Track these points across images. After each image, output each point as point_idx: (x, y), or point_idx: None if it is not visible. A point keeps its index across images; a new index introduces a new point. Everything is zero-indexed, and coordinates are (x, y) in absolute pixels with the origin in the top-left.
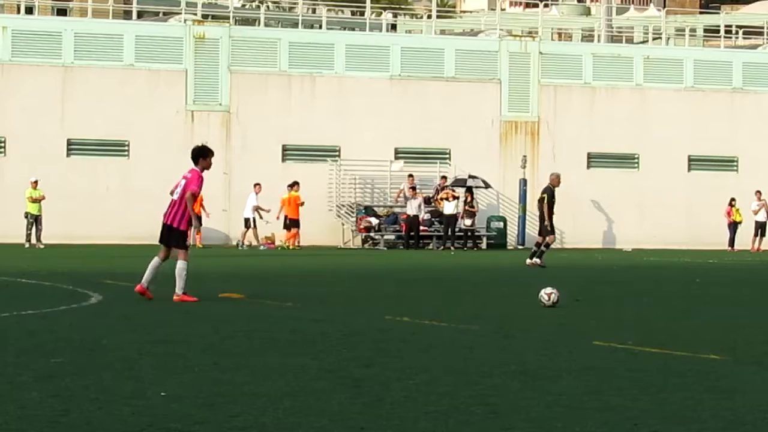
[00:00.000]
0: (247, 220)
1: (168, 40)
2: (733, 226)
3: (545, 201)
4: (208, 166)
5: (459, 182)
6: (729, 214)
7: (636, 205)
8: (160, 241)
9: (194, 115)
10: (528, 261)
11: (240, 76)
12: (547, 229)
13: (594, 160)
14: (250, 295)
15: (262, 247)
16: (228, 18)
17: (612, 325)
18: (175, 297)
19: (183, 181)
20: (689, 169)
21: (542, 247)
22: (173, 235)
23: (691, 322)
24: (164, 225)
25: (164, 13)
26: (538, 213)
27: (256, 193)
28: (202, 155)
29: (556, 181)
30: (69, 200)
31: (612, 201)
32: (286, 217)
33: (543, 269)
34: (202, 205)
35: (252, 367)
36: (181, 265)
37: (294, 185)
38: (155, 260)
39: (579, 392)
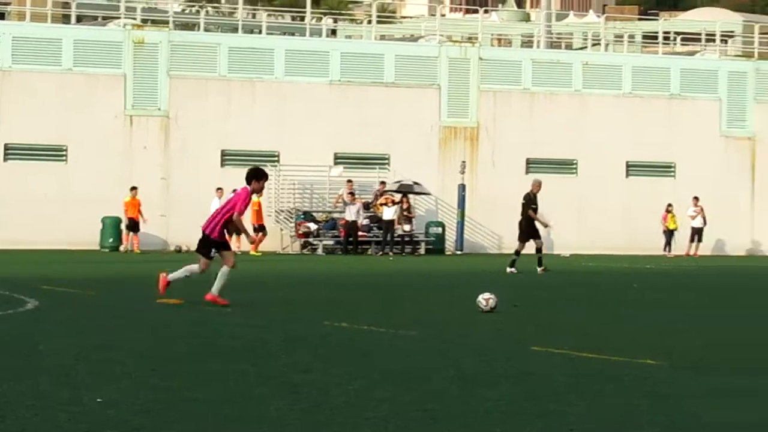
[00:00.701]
0: None
1: (107, 44)
2: (668, 233)
3: (526, 207)
4: (259, 189)
5: (404, 188)
6: (665, 219)
7: (574, 211)
8: (197, 251)
9: (133, 119)
10: (539, 270)
11: (179, 80)
12: (537, 232)
13: (533, 165)
14: (188, 300)
15: None
16: (167, 23)
17: (549, 331)
18: (207, 296)
19: (231, 196)
20: (627, 175)
21: (537, 254)
22: (210, 243)
23: (628, 327)
24: (202, 233)
25: (103, 18)
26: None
27: (218, 198)
28: (256, 177)
29: (537, 187)
30: (6, 206)
31: (550, 206)
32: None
33: (516, 274)
34: (139, 211)
35: (190, 373)
36: (224, 269)
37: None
38: (194, 266)
39: (517, 398)
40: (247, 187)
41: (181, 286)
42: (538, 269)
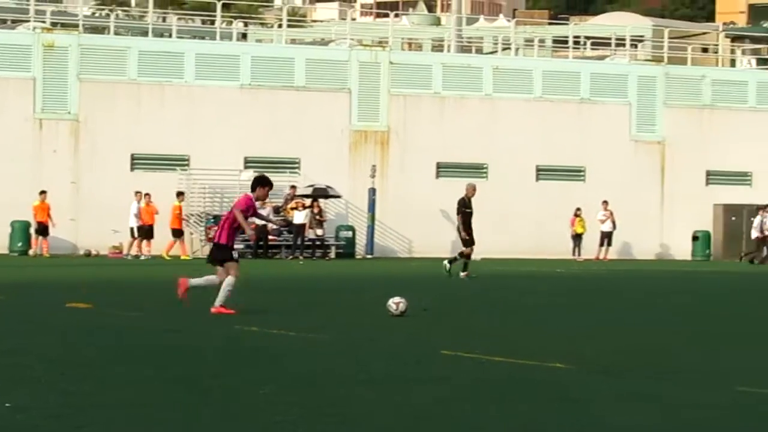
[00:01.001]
0: (132, 230)
1: (16, 47)
2: (576, 237)
3: (458, 212)
4: (262, 196)
5: (318, 192)
6: (572, 223)
7: (485, 215)
8: (209, 261)
9: (43, 123)
10: (462, 274)
11: (89, 84)
12: (465, 240)
13: (443, 169)
14: (98, 304)
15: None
16: (77, 26)
17: (460, 335)
18: (212, 309)
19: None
20: (537, 179)
21: (461, 257)
22: (219, 251)
23: (538, 331)
24: (213, 244)
25: (13, 21)
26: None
27: (137, 201)
28: (260, 184)
29: (471, 191)
30: None
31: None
32: (141, 227)
33: (452, 278)
34: (48, 215)
35: (100, 378)
36: (229, 280)
37: (179, 195)
38: (214, 277)
39: (427, 401)
40: (250, 194)
41: (87, 291)
42: (461, 273)
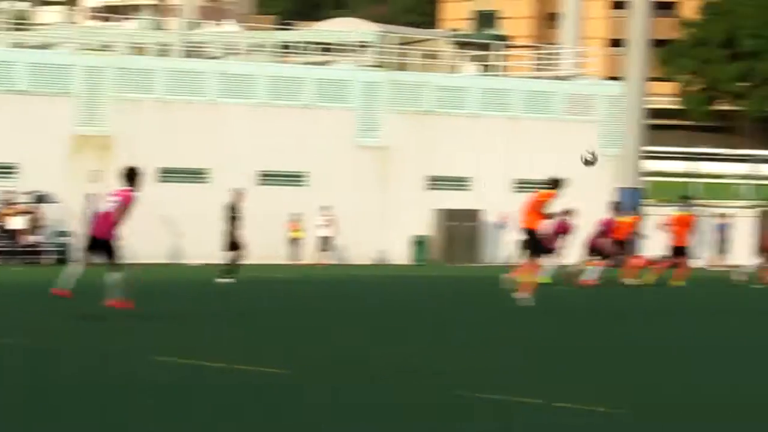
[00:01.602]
0: None
1: None
2: (293, 242)
3: (227, 219)
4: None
5: (39, 198)
6: (291, 228)
7: (207, 220)
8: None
9: None
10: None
11: None
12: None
13: (166, 174)
14: None
15: None
16: None
17: (175, 341)
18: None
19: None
20: (259, 184)
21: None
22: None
23: (260, 336)
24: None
25: None
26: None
27: None
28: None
29: (237, 197)
30: None
31: (183, 215)
32: None
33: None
34: None
35: None
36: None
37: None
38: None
39: (134, 408)
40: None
41: None
42: (223, 279)
